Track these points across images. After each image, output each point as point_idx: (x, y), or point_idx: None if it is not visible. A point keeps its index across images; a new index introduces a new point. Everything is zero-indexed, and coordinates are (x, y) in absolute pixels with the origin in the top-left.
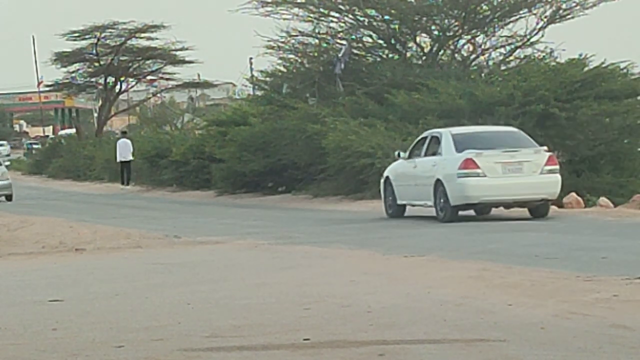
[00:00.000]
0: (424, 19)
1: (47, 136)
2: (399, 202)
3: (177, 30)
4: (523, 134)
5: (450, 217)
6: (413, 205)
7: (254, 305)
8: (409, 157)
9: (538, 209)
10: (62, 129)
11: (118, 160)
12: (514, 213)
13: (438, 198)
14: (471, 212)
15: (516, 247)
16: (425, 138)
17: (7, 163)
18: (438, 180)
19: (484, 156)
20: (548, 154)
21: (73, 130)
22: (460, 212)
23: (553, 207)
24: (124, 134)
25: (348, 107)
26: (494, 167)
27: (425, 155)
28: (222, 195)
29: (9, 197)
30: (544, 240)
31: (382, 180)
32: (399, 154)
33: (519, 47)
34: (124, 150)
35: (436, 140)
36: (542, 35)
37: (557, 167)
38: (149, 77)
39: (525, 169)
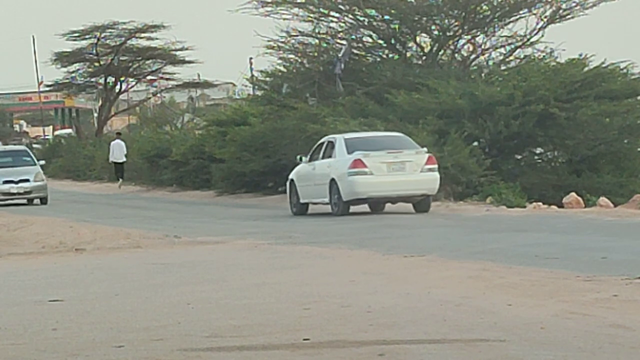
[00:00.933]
0: (424, 19)
1: (46, 137)
2: (301, 200)
3: (177, 30)
4: (407, 137)
5: (342, 212)
6: (314, 203)
7: (254, 305)
8: (310, 160)
9: (420, 204)
10: (62, 128)
11: (110, 160)
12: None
13: (332, 195)
14: (365, 207)
15: (516, 247)
16: (322, 143)
17: (42, 162)
18: (332, 179)
19: (371, 157)
20: (427, 154)
21: (69, 130)
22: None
23: (553, 207)
24: (118, 135)
25: (348, 107)
26: (379, 166)
27: (323, 158)
28: (222, 195)
29: (43, 200)
30: (544, 240)
31: (287, 183)
32: (300, 159)
33: (519, 47)
34: (118, 151)
35: (331, 145)
36: (542, 35)
37: (436, 166)
38: (149, 77)
39: (408, 168)
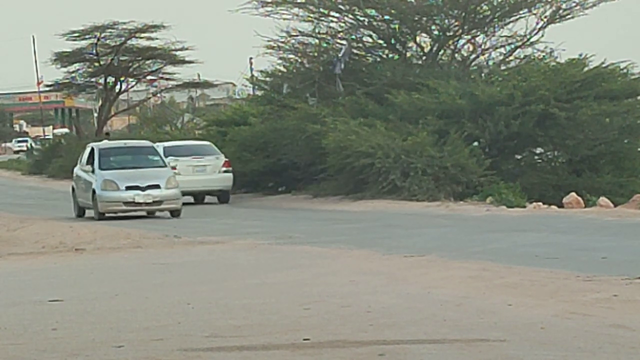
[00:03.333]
0: (424, 19)
1: (47, 136)
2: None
3: (177, 30)
4: (211, 145)
5: None
6: None
7: (254, 305)
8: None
9: (221, 196)
10: (62, 127)
11: None
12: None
13: None
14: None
15: (516, 247)
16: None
17: (175, 164)
18: None
19: (180, 161)
20: (224, 159)
21: (66, 130)
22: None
23: (553, 207)
24: (107, 135)
25: (348, 107)
26: (187, 168)
27: None
28: None
29: (175, 213)
30: (544, 240)
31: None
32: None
33: (519, 47)
34: None
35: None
36: (542, 35)
37: (230, 168)
38: (149, 77)
39: (208, 170)
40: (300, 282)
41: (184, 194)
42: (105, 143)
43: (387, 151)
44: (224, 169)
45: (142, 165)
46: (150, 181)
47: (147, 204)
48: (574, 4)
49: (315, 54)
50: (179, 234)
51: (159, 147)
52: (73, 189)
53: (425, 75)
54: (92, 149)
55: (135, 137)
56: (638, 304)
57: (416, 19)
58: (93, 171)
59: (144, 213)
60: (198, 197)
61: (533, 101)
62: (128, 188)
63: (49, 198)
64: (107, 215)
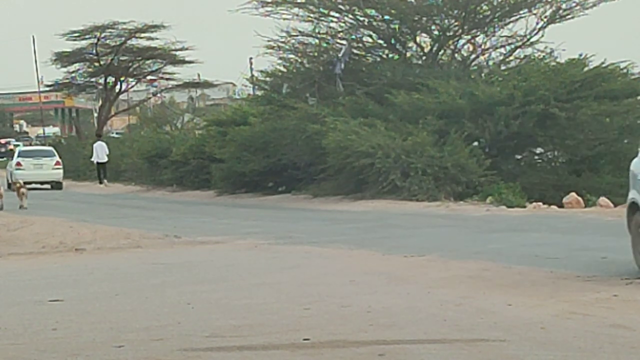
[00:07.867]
0: (424, 19)
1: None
2: (11, 180)
3: (177, 30)
4: (52, 150)
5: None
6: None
7: (254, 305)
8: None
9: (54, 186)
10: (54, 127)
11: (95, 161)
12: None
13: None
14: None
15: (516, 247)
16: (14, 151)
17: (22, 162)
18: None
19: (25, 160)
20: (56, 160)
21: (57, 129)
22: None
23: (553, 207)
24: (99, 136)
25: (348, 107)
26: (29, 166)
27: (13, 159)
28: (222, 195)
29: None
30: (544, 240)
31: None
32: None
33: (519, 47)
34: (100, 151)
35: (15, 152)
36: (542, 35)
37: (61, 166)
38: (149, 77)
39: (44, 167)
40: (300, 282)
41: (28, 183)
42: None
43: (387, 151)
44: (56, 167)
45: None
46: None
47: None
48: (574, 4)
49: (315, 54)
50: (179, 234)
51: (18, 150)
52: None
53: (425, 75)
54: None
55: (135, 137)
56: (638, 304)
57: (416, 19)
58: None
59: None
60: (54, 186)
61: (533, 101)
62: None
63: (49, 198)
64: None
